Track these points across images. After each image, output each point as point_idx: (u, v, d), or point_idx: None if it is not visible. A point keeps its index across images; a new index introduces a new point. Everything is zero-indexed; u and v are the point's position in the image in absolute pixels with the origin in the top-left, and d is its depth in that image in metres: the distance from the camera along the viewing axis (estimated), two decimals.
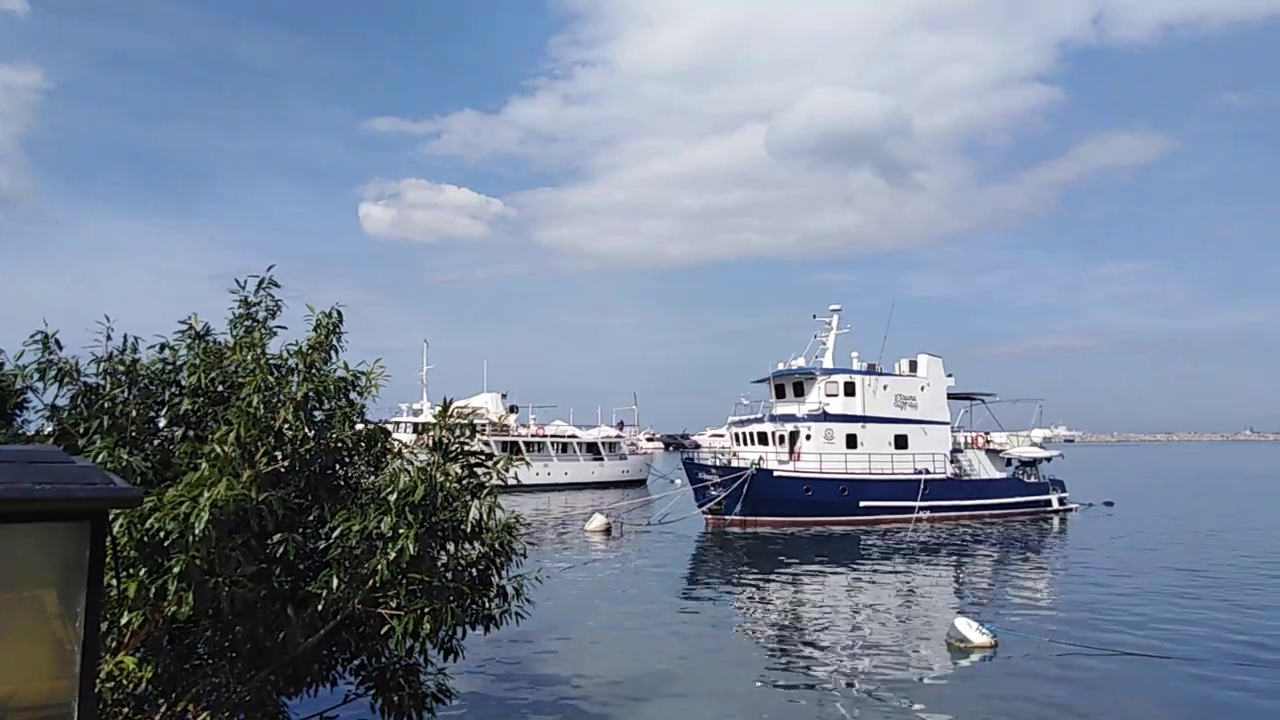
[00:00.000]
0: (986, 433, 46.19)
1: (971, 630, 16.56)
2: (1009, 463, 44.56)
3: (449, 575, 7.45)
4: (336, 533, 6.52)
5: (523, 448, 62.84)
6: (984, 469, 43.24)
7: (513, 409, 69.09)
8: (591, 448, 69.23)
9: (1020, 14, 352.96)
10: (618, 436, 74.97)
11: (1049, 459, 46.04)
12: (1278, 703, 13.12)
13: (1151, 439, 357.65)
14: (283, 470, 6.74)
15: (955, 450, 42.62)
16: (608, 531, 35.50)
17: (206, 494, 5.52)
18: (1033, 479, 44.46)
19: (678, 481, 43.65)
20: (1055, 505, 43.33)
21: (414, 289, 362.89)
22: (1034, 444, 46.21)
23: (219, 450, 6.05)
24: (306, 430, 6.90)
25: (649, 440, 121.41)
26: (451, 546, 7.32)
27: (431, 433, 7.10)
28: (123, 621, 5.80)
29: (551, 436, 67.66)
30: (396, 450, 7.60)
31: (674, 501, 41.30)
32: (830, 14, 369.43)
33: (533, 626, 16.17)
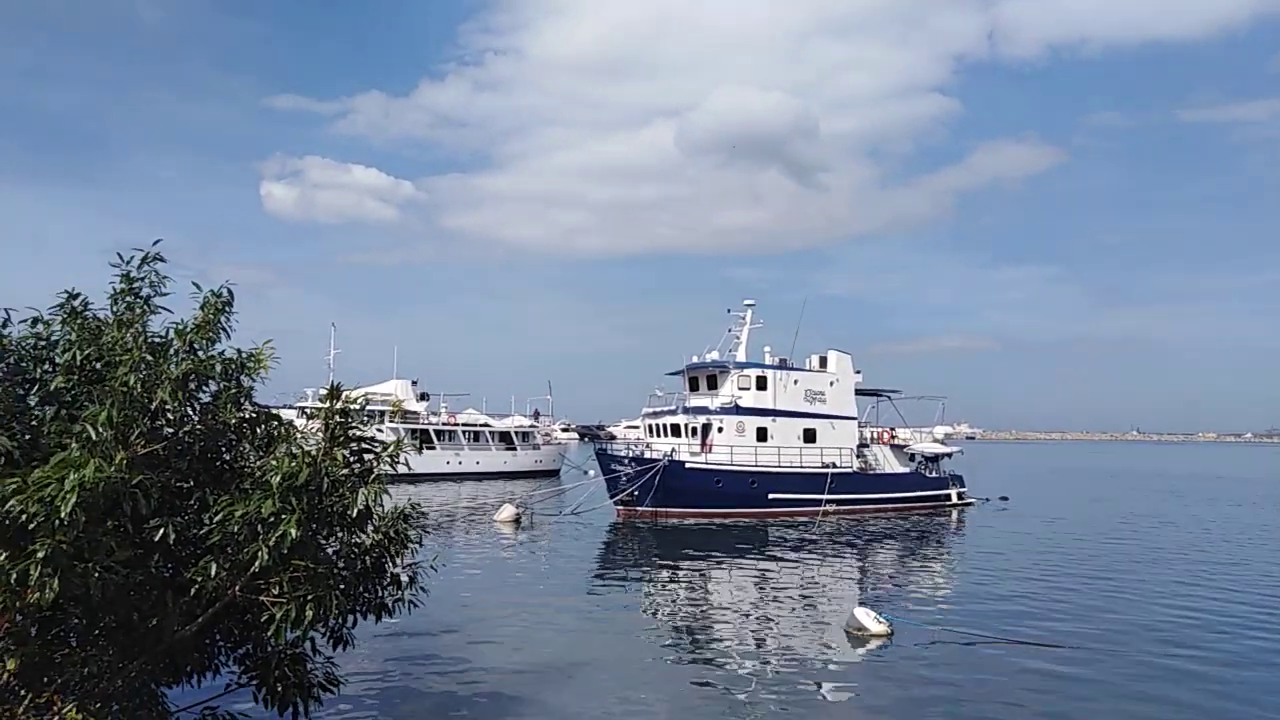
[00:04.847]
0: (892, 428, 47.50)
1: (869, 619, 17.04)
2: (912, 458, 45.94)
3: (340, 563, 7.29)
4: (218, 517, 6.31)
5: (433, 436, 61.97)
6: (888, 464, 44.49)
7: (424, 396, 67.98)
8: (504, 437, 68.67)
9: (918, 27, 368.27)
10: (531, 426, 74.52)
11: (950, 455, 47.66)
12: (1156, 685, 13.86)
13: (1047, 437, 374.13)
14: (162, 453, 6.48)
15: (861, 445, 43.72)
16: (518, 522, 35.30)
17: (73, 476, 5.27)
18: (934, 474, 45.96)
19: (591, 472, 43.65)
20: (954, 500, 44.87)
21: (321, 271, 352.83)
22: (936, 440, 47.77)
23: (89, 431, 5.77)
24: (189, 411, 6.64)
25: (564, 431, 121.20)
26: (342, 534, 7.15)
27: (320, 417, 6.92)
28: None
29: (463, 425, 66.85)
30: (285, 434, 7.38)
31: (587, 492, 41.29)
32: (737, 16, 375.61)
33: (436, 617, 15.99)
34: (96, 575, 5.71)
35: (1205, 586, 22.86)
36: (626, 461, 38.98)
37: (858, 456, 42.89)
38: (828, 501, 39.02)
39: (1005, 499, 49.82)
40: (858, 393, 44.57)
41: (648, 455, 39.22)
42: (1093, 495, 57.83)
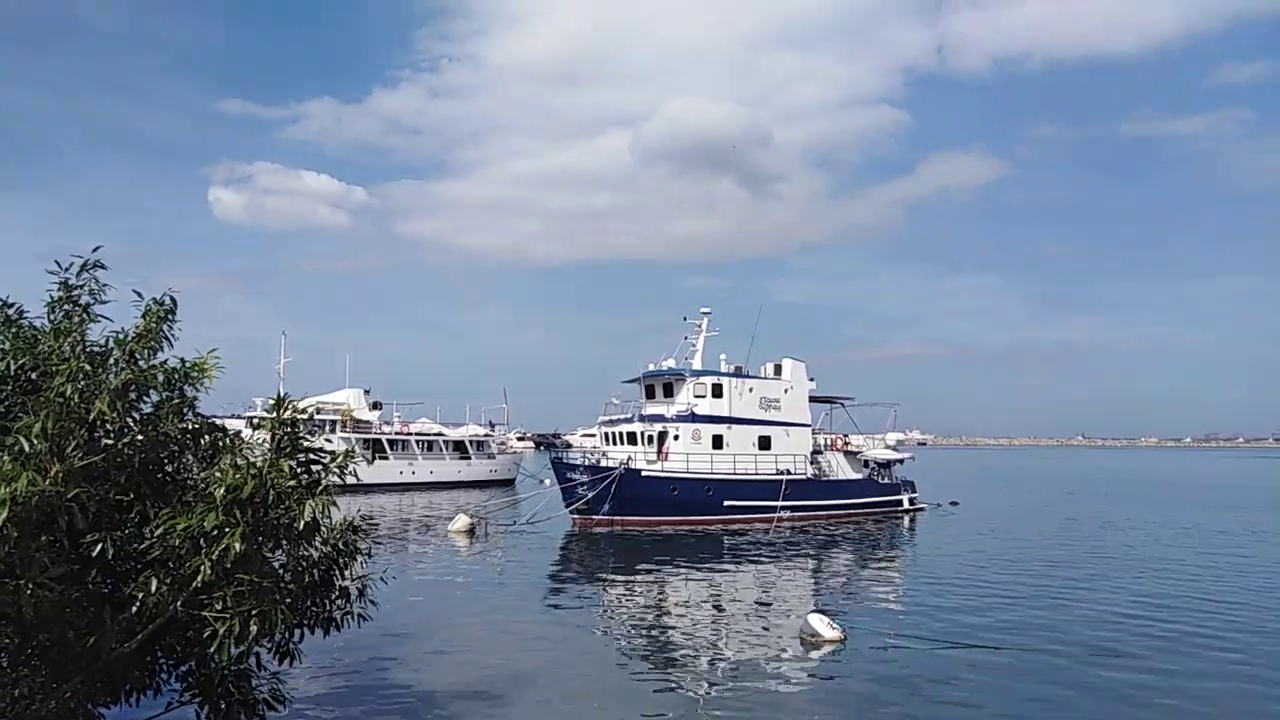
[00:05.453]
0: (845, 435, 47.99)
1: (823, 625, 17.16)
2: (865, 464, 46.43)
3: (287, 576, 7.14)
4: (159, 531, 6.14)
5: (386, 445, 61.21)
6: (842, 470, 44.94)
7: (376, 405, 67.12)
8: (459, 446, 68.04)
9: (869, 40, 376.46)
10: (486, 435, 73.97)
11: (901, 461, 48.28)
12: (1104, 685, 14.14)
13: (996, 443, 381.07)
14: (101, 465, 6.28)
15: (816, 452, 44.11)
16: (472, 532, 34.98)
17: (4, 489, 5.08)
18: (886, 480, 46.52)
19: (546, 481, 43.38)
20: (906, 505, 45.47)
21: (271, 279, 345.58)
22: (888, 446, 48.37)
23: (22, 443, 5.57)
24: (129, 422, 6.46)
25: (520, 439, 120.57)
26: (288, 546, 7.00)
27: (266, 427, 6.77)
28: None
29: (417, 434, 66.12)
30: (230, 445, 7.21)
31: (542, 501, 41.05)
32: (692, 27, 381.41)
33: (388, 630, 15.76)
34: (29, 592, 5.52)
35: (1145, 585, 23.39)
36: (582, 470, 38.85)
37: (812, 463, 43.25)
38: (783, 508, 39.27)
39: (955, 504, 50.59)
40: (812, 400, 44.96)
41: (604, 463, 39.15)
42: (1039, 499, 59.00)
